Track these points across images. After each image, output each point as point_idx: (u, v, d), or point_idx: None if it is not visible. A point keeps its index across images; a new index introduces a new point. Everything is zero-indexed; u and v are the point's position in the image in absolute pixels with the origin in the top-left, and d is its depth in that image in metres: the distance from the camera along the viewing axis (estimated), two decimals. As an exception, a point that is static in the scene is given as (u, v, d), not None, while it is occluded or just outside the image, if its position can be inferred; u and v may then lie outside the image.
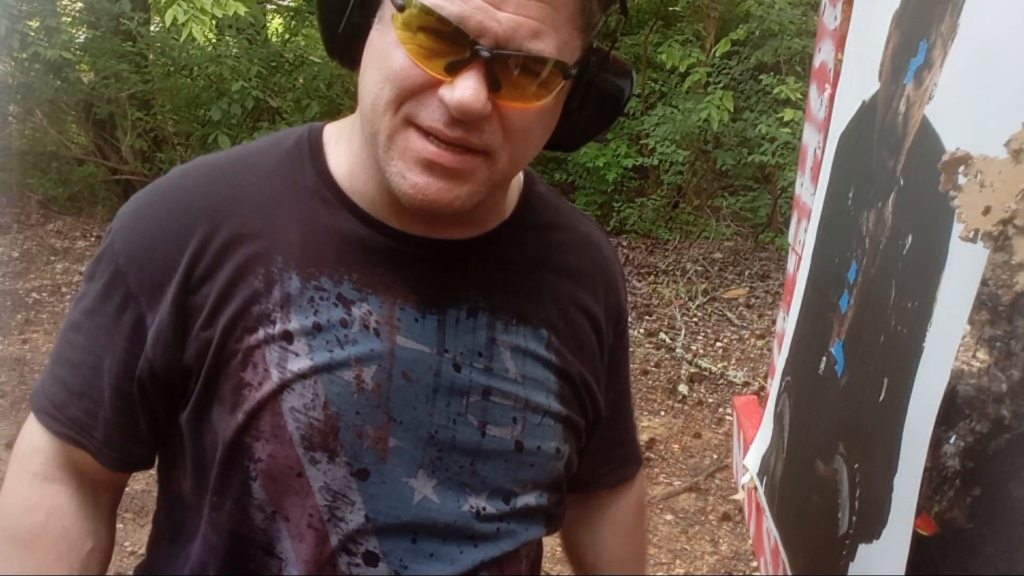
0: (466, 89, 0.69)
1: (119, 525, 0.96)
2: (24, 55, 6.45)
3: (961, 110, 0.83)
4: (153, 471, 0.92)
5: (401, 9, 0.70)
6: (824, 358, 1.17)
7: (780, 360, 1.50)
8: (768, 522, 1.42)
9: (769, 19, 5.79)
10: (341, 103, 6.82)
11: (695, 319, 5.28)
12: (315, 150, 0.85)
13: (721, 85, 6.16)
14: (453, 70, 0.70)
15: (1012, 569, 0.68)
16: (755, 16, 5.91)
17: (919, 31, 0.95)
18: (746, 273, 6.04)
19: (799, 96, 5.32)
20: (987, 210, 0.73)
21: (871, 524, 0.91)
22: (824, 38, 1.53)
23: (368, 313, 0.80)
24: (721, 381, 4.44)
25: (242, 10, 5.51)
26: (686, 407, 4.19)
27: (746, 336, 5.02)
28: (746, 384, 4.37)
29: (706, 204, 7.13)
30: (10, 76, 6.85)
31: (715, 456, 3.73)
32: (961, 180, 0.78)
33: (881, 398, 0.92)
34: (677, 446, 3.82)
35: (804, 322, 1.36)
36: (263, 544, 0.82)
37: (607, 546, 1.08)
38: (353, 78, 0.90)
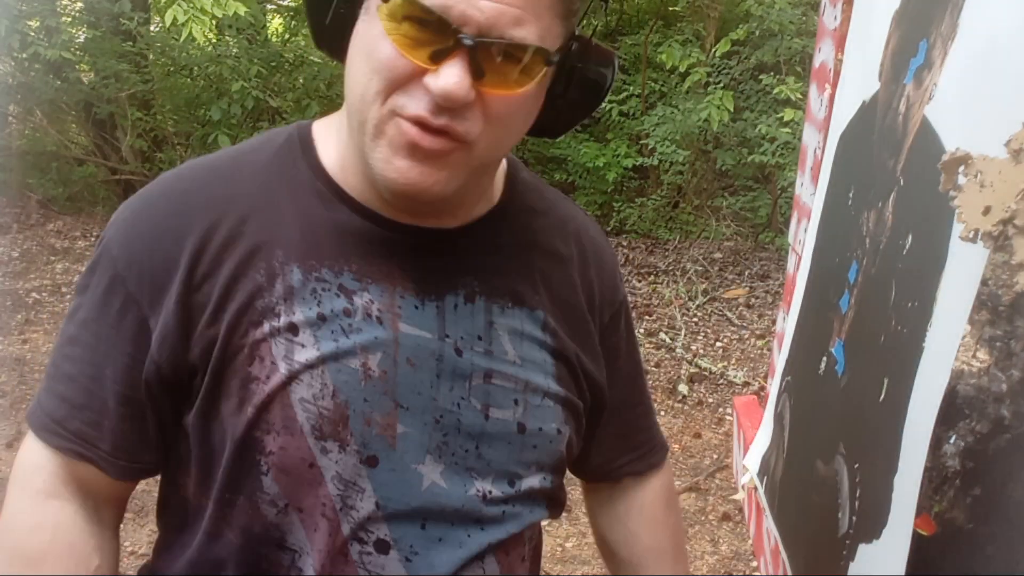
0: (450, 77, 0.70)
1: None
2: (24, 55, 6.44)
3: (961, 110, 0.83)
4: (152, 472, 0.91)
5: (386, 0, 0.71)
6: (824, 358, 1.17)
7: (780, 360, 1.50)
8: (768, 522, 1.42)
9: (769, 19, 5.78)
10: (341, 103, 6.80)
11: (695, 319, 5.28)
12: (306, 146, 0.86)
13: (721, 85, 6.15)
14: (437, 58, 0.71)
15: (1012, 569, 0.68)
16: (755, 16, 5.90)
17: (919, 31, 0.95)
18: (746, 273, 6.04)
19: (799, 96, 5.31)
20: (987, 210, 0.73)
21: (871, 524, 0.91)
22: (824, 38, 1.53)
23: (370, 302, 0.82)
24: (721, 381, 4.44)
25: (242, 10, 5.51)
26: (686, 407, 4.19)
27: (746, 336, 5.02)
28: (746, 384, 4.37)
29: (706, 204, 7.12)
30: (10, 76, 6.85)
31: (715, 456, 3.73)
32: (961, 180, 0.78)
33: (881, 398, 0.92)
34: (677, 446, 3.82)
35: (804, 322, 1.36)
36: (275, 538, 0.82)
37: (640, 538, 1.06)
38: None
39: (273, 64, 7.06)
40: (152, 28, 7.10)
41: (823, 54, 1.53)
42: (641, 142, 6.78)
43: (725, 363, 4.64)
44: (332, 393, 0.80)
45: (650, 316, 5.29)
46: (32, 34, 6.41)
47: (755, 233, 6.76)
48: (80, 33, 7.16)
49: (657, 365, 4.60)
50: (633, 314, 5.17)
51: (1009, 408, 0.69)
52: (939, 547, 0.76)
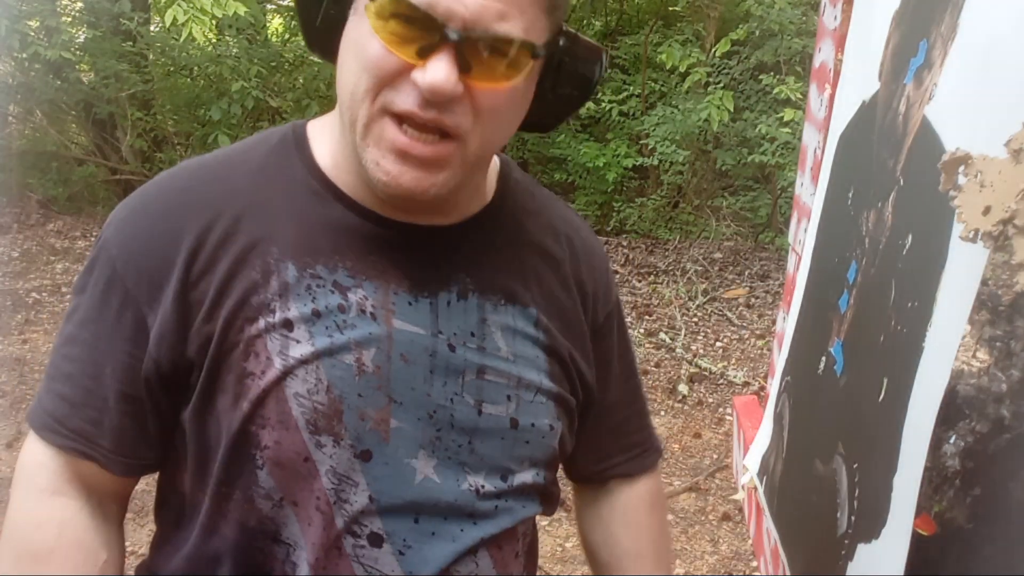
0: (437, 71, 0.72)
1: (119, 525, 0.95)
2: (24, 55, 6.44)
3: (961, 110, 0.83)
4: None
5: None
6: (824, 358, 1.17)
7: (780, 360, 1.50)
8: (768, 522, 1.42)
9: (769, 19, 5.78)
10: (341, 103, 6.80)
11: (695, 319, 5.28)
12: (301, 144, 0.88)
13: (721, 85, 6.15)
14: (424, 54, 0.73)
15: (1012, 569, 0.68)
16: (755, 16, 5.90)
17: (919, 31, 0.95)
18: (746, 273, 6.03)
19: (799, 96, 5.31)
20: (987, 210, 0.73)
21: (871, 524, 0.91)
22: (824, 38, 1.53)
23: (364, 298, 0.82)
24: (721, 381, 4.44)
25: (242, 10, 5.51)
26: (686, 407, 4.19)
27: (746, 336, 5.02)
28: (746, 384, 4.37)
29: (706, 204, 7.12)
30: (10, 76, 6.85)
31: (715, 456, 3.73)
32: (961, 180, 0.78)
33: (881, 398, 0.92)
34: (677, 446, 3.82)
35: (804, 322, 1.36)
36: (270, 532, 0.83)
37: (620, 541, 1.07)
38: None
39: (273, 64, 7.06)
40: (152, 28, 7.10)
41: (823, 54, 1.53)
42: (641, 142, 6.78)
43: (725, 363, 4.64)
44: (326, 388, 0.80)
45: (650, 316, 5.29)
46: (32, 34, 6.41)
47: (755, 233, 6.76)
48: (80, 33, 7.16)
49: (657, 365, 4.60)
50: (633, 314, 5.19)
51: (1009, 408, 0.69)
52: (939, 547, 0.76)
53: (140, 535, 2.73)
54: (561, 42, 0.81)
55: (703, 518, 3.29)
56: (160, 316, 0.81)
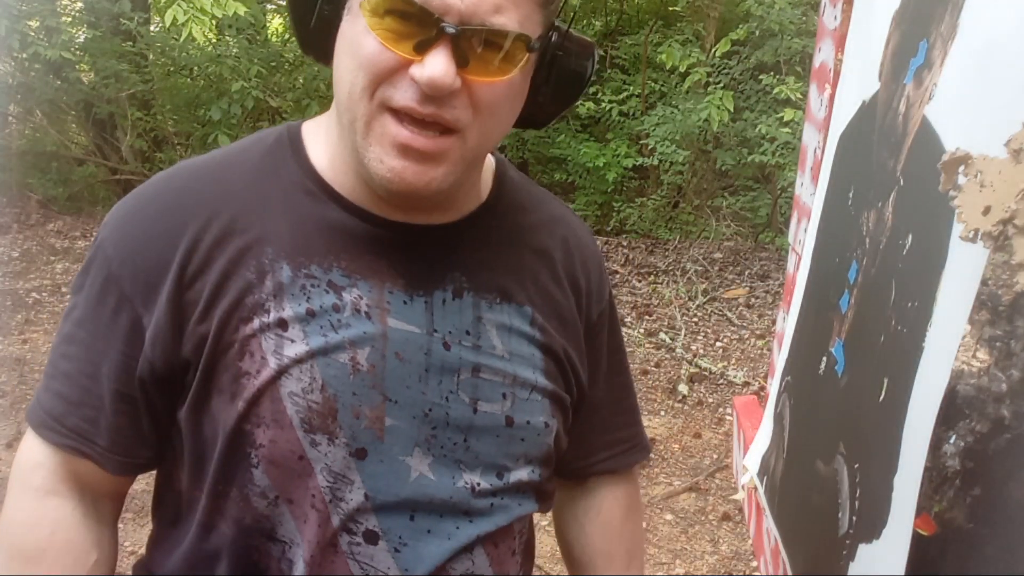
0: (435, 65, 0.72)
1: (119, 525, 0.96)
2: (24, 55, 6.44)
3: (961, 110, 0.83)
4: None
5: None
6: (824, 358, 1.17)
7: (780, 360, 1.50)
8: (768, 522, 1.42)
9: (769, 19, 5.78)
10: (341, 103, 6.80)
11: (695, 319, 5.28)
12: (296, 145, 0.88)
13: (721, 85, 6.15)
14: (422, 49, 0.73)
15: (1012, 569, 0.68)
16: (755, 16, 5.90)
17: (919, 31, 0.95)
18: (746, 273, 6.03)
19: (799, 96, 5.31)
20: (987, 210, 0.73)
21: (871, 524, 0.91)
22: (824, 38, 1.53)
23: (359, 298, 0.83)
24: (721, 381, 4.44)
25: (242, 10, 5.52)
26: (686, 407, 4.18)
27: (746, 336, 5.02)
28: (746, 384, 4.37)
29: (706, 204, 7.12)
30: (10, 76, 6.85)
31: (715, 456, 3.73)
32: (961, 180, 0.78)
33: (881, 398, 0.92)
34: (677, 446, 3.82)
35: (804, 322, 1.36)
36: (265, 530, 0.83)
37: (592, 540, 1.08)
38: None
39: (273, 64, 7.07)
40: (152, 28, 7.10)
41: (823, 54, 1.53)
42: (641, 142, 6.78)
43: (725, 363, 4.64)
44: (321, 387, 0.81)
45: (650, 316, 5.29)
46: (32, 34, 6.42)
47: (755, 233, 6.76)
48: (80, 33, 7.16)
49: (657, 365, 4.59)
50: (633, 314, 5.18)
51: (1009, 408, 0.69)
52: (939, 547, 0.76)
53: (140, 535, 2.73)
54: (554, 37, 0.82)
55: (703, 518, 3.29)
56: (155, 316, 0.82)
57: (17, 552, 0.85)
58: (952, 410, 0.74)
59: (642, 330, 5.03)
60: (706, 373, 4.50)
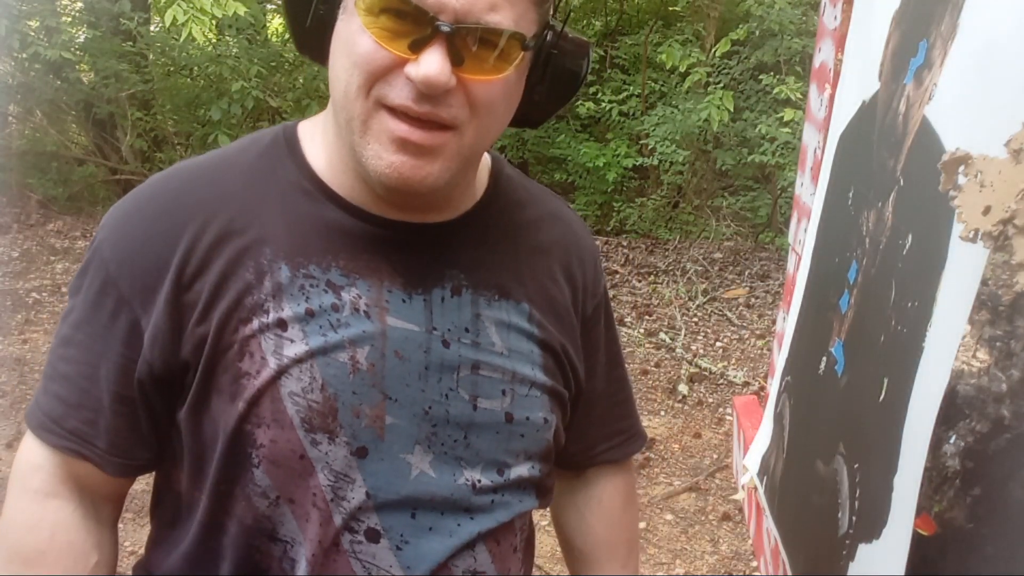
0: (431, 64, 0.72)
1: (119, 525, 0.96)
2: (24, 55, 6.44)
3: (961, 110, 0.83)
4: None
5: None
6: (824, 358, 1.17)
7: (780, 360, 1.50)
8: (768, 522, 1.42)
9: (769, 19, 5.78)
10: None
11: (695, 319, 5.27)
12: (292, 146, 0.88)
13: (721, 85, 6.15)
14: (417, 47, 0.73)
15: (1012, 569, 0.68)
16: (755, 16, 5.90)
17: (919, 31, 0.95)
18: (746, 273, 6.03)
19: (799, 96, 5.31)
20: (987, 210, 0.73)
21: (871, 524, 0.91)
22: (824, 38, 1.53)
23: (357, 297, 0.83)
24: (721, 381, 4.44)
25: (242, 10, 5.52)
26: (686, 407, 4.18)
27: (746, 336, 5.02)
28: (746, 384, 4.37)
29: (706, 204, 7.12)
30: (10, 76, 6.85)
31: (715, 456, 3.73)
32: (961, 180, 0.78)
33: (881, 398, 0.92)
34: (677, 446, 3.82)
35: (804, 322, 1.36)
36: (266, 530, 0.84)
37: (595, 530, 1.08)
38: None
39: (273, 64, 7.06)
40: (152, 28, 7.10)
41: (823, 54, 1.53)
42: (641, 142, 6.78)
43: (725, 363, 4.64)
44: (321, 386, 0.81)
45: (650, 316, 5.29)
46: (32, 34, 6.42)
47: (755, 233, 6.76)
48: (80, 33, 7.16)
49: (657, 365, 4.59)
50: (633, 314, 5.18)
51: (1009, 408, 0.69)
52: (939, 547, 0.76)
53: (140, 535, 2.73)
54: (549, 36, 0.82)
55: (703, 518, 3.29)
56: (154, 318, 0.82)
57: (17, 554, 0.85)
58: (952, 410, 0.74)
59: (642, 330, 5.03)
60: (706, 373, 4.50)
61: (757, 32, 6.00)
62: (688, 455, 3.75)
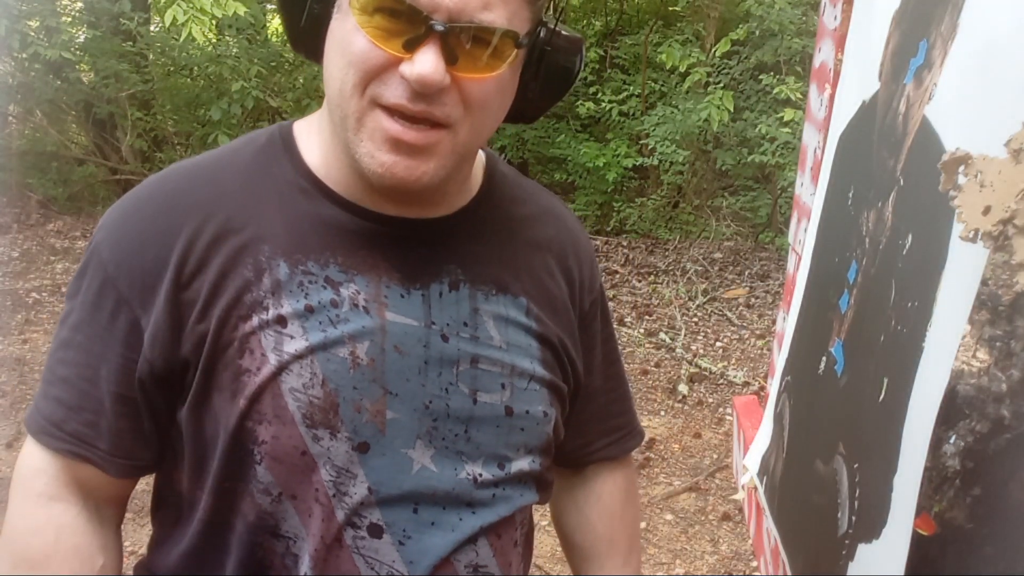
0: (425, 63, 0.73)
1: (119, 525, 0.95)
2: (24, 55, 6.44)
3: (961, 110, 0.83)
4: (151, 470, 0.91)
5: None
6: (824, 358, 1.17)
7: (780, 360, 1.50)
8: (768, 522, 1.42)
9: (769, 19, 5.78)
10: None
11: (695, 319, 5.28)
12: (288, 144, 0.89)
13: (721, 85, 6.15)
14: (411, 46, 0.73)
15: (1012, 569, 0.68)
16: (755, 16, 5.90)
17: (919, 31, 0.95)
18: (746, 273, 6.03)
19: (799, 96, 5.31)
20: (987, 210, 0.73)
21: (871, 524, 0.91)
22: (824, 38, 1.53)
23: (356, 293, 0.83)
24: (721, 381, 4.44)
25: (242, 10, 5.52)
26: (686, 407, 4.18)
27: (746, 336, 5.02)
28: (746, 384, 4.37)
29: (706, 204, 7.13)
30: (10, 76, 6.85)
31: (715, 456, 3.73)
32: (961, 180, 0.78)
33: (881, 398, 0.92)
34: (677, 446, 3.82)
35: (804, 322, 1.36)
36: (269, 527, 0.84)
37: (596, 527, 1.09)
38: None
39: (273, 64, 7.06)
40: (152, 28, 7.10)
41: (823, 54, 1.53)
42: (641, 142, 6.78)
43: (725, 363, 4.64)
44: (322, 382, 0.81)
45: (650, 316, 5.29)
46: (32, 34, 6.41)
47: (755, 233, 6.76)
48: (80, 33, 7.16)
49: (657, 365, 4.59)
50: (633, 314, 5.18)
51: (1009, 408, 0.69)
52: (939, 547, 0.76)
53: (141, 535, 2.74)
54: (542, 33, 0.82)
55: (703, 518, 3.29)
56: (153, 318, 0.82)
57: (23, 559, 0.85)
58: (952, 410, 0.74)
59: (642, 330, 5.03)
60: (706, 373, 4.50)
61: (757, 32, 6.00)
62: (688, 455, 3.75)
